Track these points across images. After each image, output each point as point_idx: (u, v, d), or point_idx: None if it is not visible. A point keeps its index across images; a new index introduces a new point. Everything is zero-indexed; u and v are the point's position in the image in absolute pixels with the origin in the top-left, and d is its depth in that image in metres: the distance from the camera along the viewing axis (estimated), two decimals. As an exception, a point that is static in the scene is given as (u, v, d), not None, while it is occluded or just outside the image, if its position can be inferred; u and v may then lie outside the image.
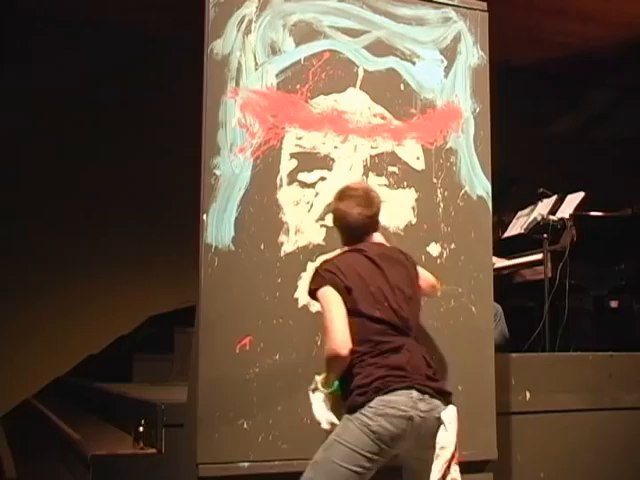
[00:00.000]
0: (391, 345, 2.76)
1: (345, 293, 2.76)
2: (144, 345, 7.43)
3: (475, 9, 3.68)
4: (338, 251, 3.01)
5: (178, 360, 5.80)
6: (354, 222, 2.91)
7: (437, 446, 2.69)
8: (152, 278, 8.44)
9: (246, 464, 3.09)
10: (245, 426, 3.10)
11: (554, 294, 4.56)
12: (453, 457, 2.71)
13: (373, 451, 2.64)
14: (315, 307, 3.24)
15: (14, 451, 5.48)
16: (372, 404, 2.65)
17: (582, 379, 4.05)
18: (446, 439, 2.69)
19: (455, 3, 3.64)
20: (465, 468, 2.81)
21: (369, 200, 2.94)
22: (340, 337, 2.68)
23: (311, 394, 2.84)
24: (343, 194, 2.97)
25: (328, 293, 2.76)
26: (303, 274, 3.24)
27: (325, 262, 2.90)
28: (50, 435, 5.47)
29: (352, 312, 2.75)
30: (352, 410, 2.68)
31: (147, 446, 3.74)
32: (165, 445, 3.69)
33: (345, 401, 2.75)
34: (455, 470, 2.71)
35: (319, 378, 2.82)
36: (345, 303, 2.75)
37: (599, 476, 4.00)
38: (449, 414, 2.71)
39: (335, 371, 2.75)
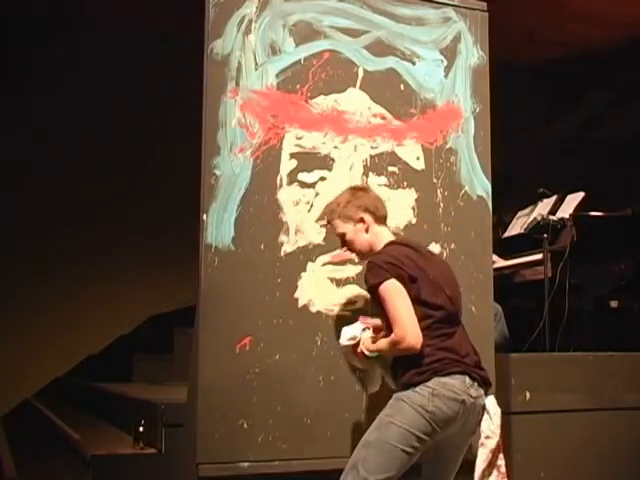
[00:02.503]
0: (447, 330, 2.78)
1: (409, 282, 2.74)
2: (144, 345, 7.44)
3: (475, 9, 3.69)
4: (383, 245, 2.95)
5: (178, 360, 5.80)
6: (384, 211, 2.97)
7: (482, 435, 2.74)
8: (152, 278, 8.44)
9: (246, 464, 3.09)
10: (245, 426, 3.10)
11: (554, 294, 4.56)
12: (499, 447, 2.76)
13: (426, 432, 2.66)
14: (315, 307, 3.25)
15: (14, 451, 5.48)
16: (429, 384, 2.67)
17: (582, 379, 4.05)
18: (491, 428, 2.74)
19: (455, 3, 3.64)
20: (465, 468, 2.81)
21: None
22: (413, 332, 2.68)
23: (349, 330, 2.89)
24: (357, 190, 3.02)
25: (394, 286, 2.73)
26: (303, 274, 3.24)
27: (378, 255, 2.85)
28: (50, 435, 5.47)
29: (415, 300, 2.74)
30: (406, 387, 2.69)
31: (147, 446, 3.74)
32: (165, 445, 3.69)
33: (397, 379, 2.78)
34: (502, 458, 2.77)
35: (366, 336, 2.85)
36: (409, 292, 2.74)
37: (599, 476, 4.00)
38: (492, 403, 2.77)
39: (392, 354, 2.78)
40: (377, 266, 2.76)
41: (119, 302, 8.30)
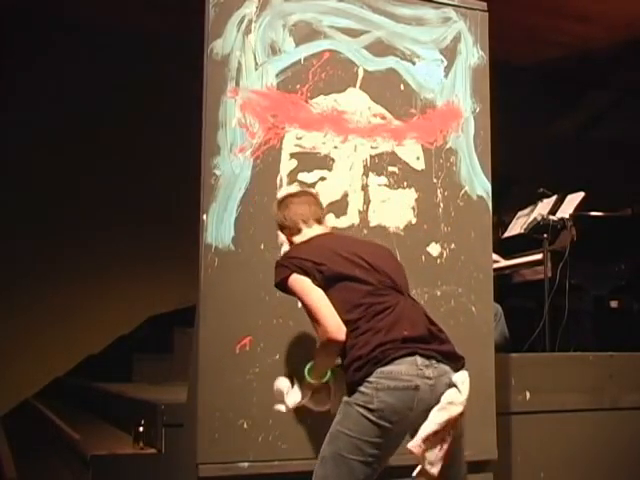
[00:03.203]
0: (384, 305, 2.53)
1: (315, 271, 2.55)
2: (144, 345, 7.43)
3: (475, 9, 3.69)
4: None
5: (178, 360, 5.79)
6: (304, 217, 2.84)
7: (444, 400, 2.42)
8: (152, 278, 8.44)
9: (246, 464, 3.09)
10: (245, 426, 3.10)
11: (554, 294, 4.56)
12: (456, 420, 2.45)
13: (380, 434, 2.40)
14: (315, 307, 3.24)
15: (14, 451, 5.47)
16: (371, 378, 2.41)
17: (582, 379, 4.05)
18: (456, 397, 2.43)
19: (455, 3, 3.64)
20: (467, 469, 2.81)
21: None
22: (331, 321, 2.48)
23: (283, 382, 2.73)
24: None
25: (297, 280, 2.56)
26: (303, 274, 3.24)
27: (283, 255, 2.80)
28: (50, 435, 5.47)
29: (331, 281, 2.54)
30: (351, 389, 2.45)
31: (147, 446, 3.73)
32: (165, 445, 3.69)
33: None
34: (450, 435, 2.44)
35: (308, 368, 2.68)
36: (318, 281, 2.54)
37: (599, 476, 4.00)
38: (461, 376, 2.48)
39: (331, 359, 2.58)
40: (278, 265, 2.66)
41: (119, 302, 8.30)
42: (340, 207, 3.34)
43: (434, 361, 2.47)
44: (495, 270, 3.85)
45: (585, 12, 7.53)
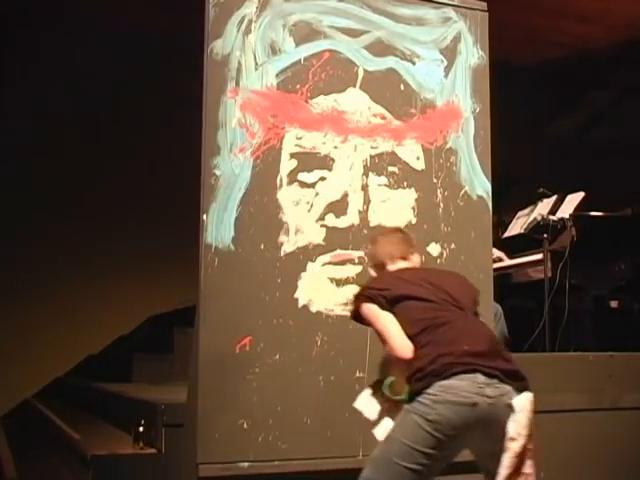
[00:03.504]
0: (445, 319, 2.56)
1: (379, 296, 2.62)
2: (144, 345, 7.43)
3: (475, 9, 3.69)
4: None
5: (178, 360, 5.79)
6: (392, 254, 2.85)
7: (506, 437, 2.40)
8: (152, 278, 8.44)
9: (246, 464, 3.09)
10: (245, 426, 3.10)
11: (554, 294, 4.56)
12: (525, 451, 2.41)
13: (434, 445, 2.39)
14: (315, 307, 3.25)
15: (14, 451, 5.47)
16: (430, 390, 2.40)
17: (582, 379, 4.05)
18: (515, 430, 2.40)
19: (455, 3, 3.65)
20: (465, 468, 2.80)
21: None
22: (398, 341, 2.52)
23: (368, 394, 2.70)
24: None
25: (365, 308, 2.62)
26: (303, 274, 3.24)
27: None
28: (50, 435, 5.47)
29: (394, 302, 2.60)
30: (411, 398, 2.45)
31: (147, 446, 3.73)
32: (165, 445, 3.68)
33: None
34: (530, 466, 2.43)
35: (387, 382, 2.64)
36: (384, 305, 2.60)
37: (599, 476, 4.00)
38: (521, 401, 2.43)
39: (404, 375, 2.56)
40: (353, 300, 2.70)
41: (119, 302, 8.30)
42: (340, 207, 3.34)
43: (496, 380, 2.45)
44: (498, 269, 3.85)
45: (585, 12, 7.54)
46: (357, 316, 2.68)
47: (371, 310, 2.61)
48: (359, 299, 2.66)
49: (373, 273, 2.87)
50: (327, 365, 3.24)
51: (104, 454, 3.66)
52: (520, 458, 2.41)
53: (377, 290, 2.64)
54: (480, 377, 2.42)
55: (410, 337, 2.53)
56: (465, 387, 2.40)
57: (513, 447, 2.40)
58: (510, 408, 2.41)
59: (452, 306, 2.64)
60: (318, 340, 3.23)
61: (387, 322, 2.57)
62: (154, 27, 7.61)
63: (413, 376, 2.47)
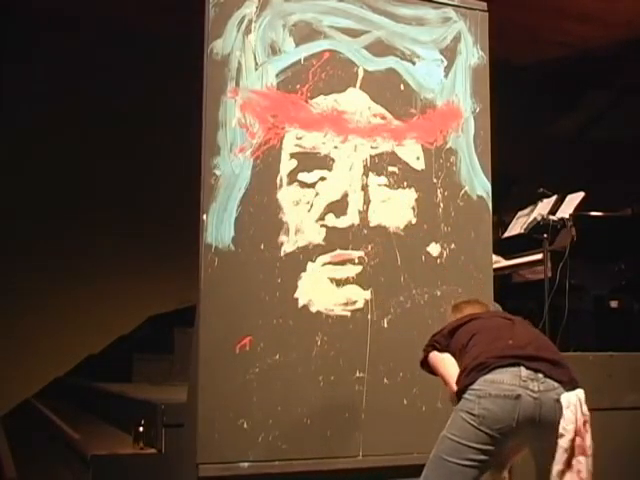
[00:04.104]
0: (493, 323, 2.65)
1: (439, 337, 2.69)
2: (144, 345, 7.43)
3: (475, 9, 3.69)
4: None
5: (178, 360, 5.79)
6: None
7: (559, 434, 2.41)
8: (152, 278, 8.44)
9: (246, 464, 3.09)
10: (245, 426, 3.10)
11: (554, 294, 4.56)
12: (574, 447, 2.42)
13: (481, 441, 2.39)
14: (315, 307, 3.25)
15: (14, 451, 5.47)
16: (475, 386, 2.42)
17: (582, 379, 4.03)
18: (562, 426, 2.41)
19: (455, 3, 3.64)
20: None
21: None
22: (455, 378, 2.55)
23: None
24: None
25: (434, 355, 2.69)
26: (303, 274, 3.24)
27: None
28: (50, 435, 5.47)
29: (451, 334, 2.67)
30: (459, 397, 2.47)
31: (147, 446, 3.73)
32: (165, 445, 3.69)
33: None
34: (580, 462, 2.43)
35: None
36: (443, 345, 2.67)
37: (599, 476, 3.99)
38: (569, 397, 2.46)
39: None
40: (423, 351, 2.76)
41: (119, 302, 8.30)
42: (340, 207, 3.34)
43: (540, 375, 2.44)
44: (495, 270, 3.85)
45: (585, 11, 7.54)
46: (424, 367, 2.74)
47: (435, 358, 2.68)
48: (424, 350, 2.72)
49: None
50: (327, 365, 3.24)
51: (104, 454, 3.66)
52: (570, 454, 2.41)
53: (436, 335, 2.72)
54: (524, 371, 2.42)
55: (462, 349, 2.58)
56: (508, 380, 2.40)
57: (561, 443, 2.40)
58: (558, 404, 2.41)
59: (500, 318, 2.73)
60: (318, 340, 3.23)
61: (449, 365, 2.61)
62: (154, 27, 7.61)
63: (459, 378, 2.50)
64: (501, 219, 5.57)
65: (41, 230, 8.00)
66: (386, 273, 3.37)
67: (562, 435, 2.41)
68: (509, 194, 5.63)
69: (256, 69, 3.29)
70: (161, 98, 7.79)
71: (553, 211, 5.08)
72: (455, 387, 2.51)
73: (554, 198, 5.21)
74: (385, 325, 3.34)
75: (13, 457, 5.26)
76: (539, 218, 4.88)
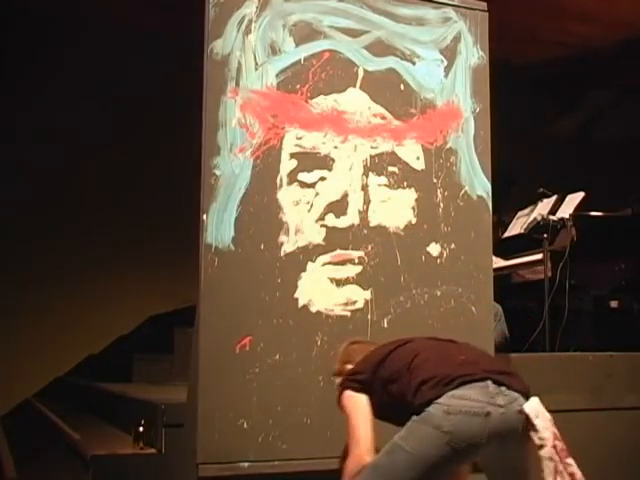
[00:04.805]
0: (434, 342, 2.56)
1: (367, 375, 2.53)
2: (144, 345, 7.43)
3: (475, 9, 3.68)
4: None
5: (178, 360, 5.79)
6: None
7: (536, 446, 2.33)
8: (152, 278, 8.44)
9: (246, 464, 3.09)
10: (245, 426, 3.10)
11: (554, 294, 4.56)
12: (558, 452, 2.35)
13: (444, 457, 2.28)
14: (315, 307, 3.25)
15: (14, 451, 5.47)
16: (442, 400, 2.29)
17: (582, 379, 4.05)
18: (538, 436, 2.32)
19: (455, 3, 3.64)
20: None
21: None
22: (364, 443, 2.42)
23: None
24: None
25: (348, 396, 2.53)
26: (303, 274, 3.24)
27: None
28: (50, 435, 5.47)
29: (380, 364, 2.52)
30: (418, 410, 2.32)
31: (147, 446, 3.73)
32: (165, 445, 3.68)
33: (406, 414, 2.38)
34: (569, 464, 2.38)
35: None
36: (376, 383, 2.51)
37: (599, 476, 3.99)
38: (534, 406, 2.35)
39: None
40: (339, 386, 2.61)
41: (119, 302, 8.30)
42: (340, 207, 3.34)
43: (504, 388, 2.35)
44: (495, 270, 3.85)
45: (585, 12, 7.54)
46: (341, 405, 2.57)
47: (353, 400, 2.51)
48: (342, 387, 2.56)
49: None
50: (327, 365, 3.23)
51: (104, 454, 3.66)
52: (557, 460, 2.35)
53: (354, 374, 2.55)
54: (491, 385, 2.34)
55: (407, 368, 2.45)
56: (476, 396, 2.31)
57: (544, 454, 2.33)
58: (521, 414, 2.33)
59: (434, 340, 2.63)
60: (318, 340, 3.23)
61: (361, 421, 2.47)
62: (154, 27, 7.61)
63: (417, 391, 2.36)
64: (501, 219, 5.58)
65: (41, 230, 8.00)
66: (386, 273, 3.37)
67: (542, 446, 2.33)
68: (509, 194, 5.63)
69: (256, 69, 3.29)
70: (161, 98, 7.79)
71: (553, 211, 5.09)
72: (366, 457, 2.38)
73: (554, 198, 5.21)
74: (385, 325, 3.34)
75: (13, 457, 5.26)
76: (539, 218, 4.88)
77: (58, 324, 8.04)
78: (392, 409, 2.48)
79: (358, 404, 2.51)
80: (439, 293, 3.40)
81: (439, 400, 2.30)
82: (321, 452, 3.18)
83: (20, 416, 7.50)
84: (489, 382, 2.34)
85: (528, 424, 2.33)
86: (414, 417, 2.33)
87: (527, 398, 2.38)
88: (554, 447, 2.35)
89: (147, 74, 7.85)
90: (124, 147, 8.12)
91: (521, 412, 2.33)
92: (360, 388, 2.53)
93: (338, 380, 2.66)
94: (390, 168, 3.44)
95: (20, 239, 7.95)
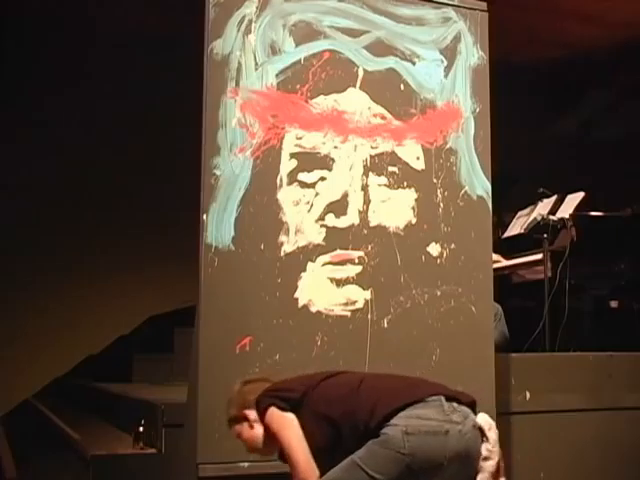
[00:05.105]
0: (367, 373, 2.55)
1: (297, 394, 2.43)
2: (144, 345, 7.43)
3: (475, 9, 3.69)
4: None
5: (178, 360, 5.80)
6: None
7: (480, 457, 2.29)
8: (152, 278, 8.44)
9: (246, 464, 3.09)
10: (245, 426, 3.10)
11: (554, 294, 4.56)
12: (499, 469, 2.33)
13: (404, 479, 2.23)
14: (315, 307, 3.25)
15: (14, 451, 5.48)
16: (398, 421, 2.24)
17: (582, 379, 4.05)
18: (488, 448, 2.30)
19: (455, 3, 3.64)
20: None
21: None
22: (305, 466, 2.31)
23: None
24: None
25: (277, 415, 2.40)
26: (303, 274, 3.24)
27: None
28: (50, 435, 5.47)
29: (308, 388, 2.45)
30: (372, 434, 2.26)
31: (147, 446, 3.74)
32: (165, 445, 3.69)
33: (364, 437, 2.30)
34: None
35: None
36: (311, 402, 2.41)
37: (599, 476, 4.00)
38: (485, 419, 2.35)
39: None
40: (258, 400, 2.49)
41: (119, 302, 8.29)
42: (340, 207, 3.34)
43: (455, 404, 2.33)
44: (495, 270, 3.85)
45: (585, 12, 7.53)
46: (264, 421, 2.45)
47: (281, 420, 2.41)
48: (262, 403, 2.46)
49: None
50: (327, 365, 3.23)
51: (104, 454, 3.67)
52: (494, 477, 2.31)
53: (280, 390, 2.47)
54: (445, 402, 2.31)
55: (354, 391, 2.40)
56: (433, 415, 2.27)
57: (487, 467, 2.30)
58: (476, 429, 2.31)
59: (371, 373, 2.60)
60: (318, 340, 3.23)
61: (295, 441, 2.35)
62: (154, 27, 7.61)
63: (371, 410, 2.29)
64: (501, 219, 5.58)
65: (41, 230, 7.99)
66: (386, 273, 3.37)
67: (487, 458, 2.29)
68: (509, 194, 5.63)
69: (256, 69, 3.29)
70: (161, 98, 7.78)
71: (553, 211, 5.09)
72: (306, 478, 2.29)
73: (554, 198, 5.21)
74: (385, 325, 3.34)
75: (13, 457, 5.26)
76: (539, 218, 4.88)
77: (58, 324, 8.03)
78: (328, 435, 2.37)
79: (289, 423, 2.39)
80: (439, 293, 3.40)
81: (395, 421, 2.24)
82: (321, 452, 3.18)
83: (20, 416, 7.51)
84: (442, 398, 2.31)
85: (482, 436, 2.30)
86: (373, 440, 2.25)
87: (474, 410, 2.37)
88: (498, 463, 2.31)
89: (147, 74, 7.85)
90: (124, 147, 8.11)
91: (475, 426, 2.31)
92: (288, 408, 2.41)
93: (237, 427, 2.53)
94: (390, 168, 3.44)
95: (20, 239, 7.95)
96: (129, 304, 8.28)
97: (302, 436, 2.37)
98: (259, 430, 2.50)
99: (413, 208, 3.46)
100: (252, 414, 2.50)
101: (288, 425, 2.39)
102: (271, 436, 2.42)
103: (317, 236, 3.29)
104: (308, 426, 2.39)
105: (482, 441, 2.31)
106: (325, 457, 2.35)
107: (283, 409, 2.42)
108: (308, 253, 3.26)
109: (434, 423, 2.25)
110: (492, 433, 2.32)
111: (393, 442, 2.22)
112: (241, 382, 2.62)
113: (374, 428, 2.27)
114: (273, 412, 2.42)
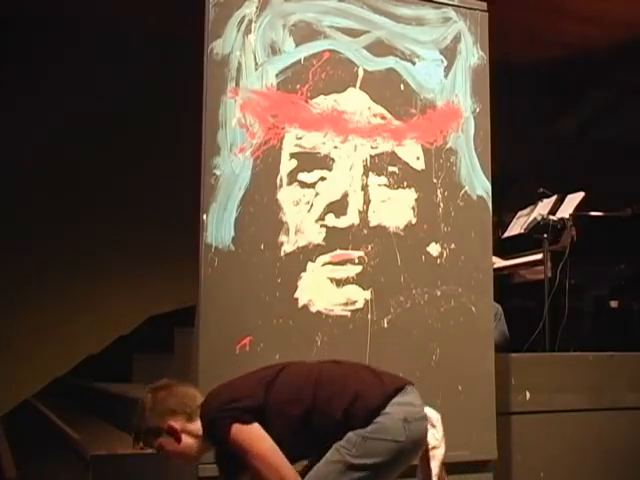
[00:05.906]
0: (329, 366, 2.45)
1: (256, 400, 2.30)
2: (144, 345, 7.43)
3: (475, 9, 3.69)
4: None
5: (178, 360, 5.80)
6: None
7: (429, 446, 2.33)
8: (152, 278, 8.44)
9: (246, 464, 3.09)
10: (245, 426, 3.09)
11: (554, 294, 4.56)
12: (443, 459, 2.40)
13: (396, 468, 2.24)
14: (315, 307, 3.25)
15: (14, 451, 5.48)
16: (391, 409, 2.22)
17: (582, 379, 4.05)
18: (437, 437, 2.34)
19: (455, 3, 3.64)
20: (465, 468, 2.80)
21: None
22: (286, 472, 2.24)
23: None
24: None
25: (244, 430, 2.23)
26: (303, 274, 3.24)
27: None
28: (50, 435, 5.47)
29: (270, 385, 2.35)
30: (360, 424, 2.21)
31: (147, 446, 3.73)
32: (165, 445, 3.68)
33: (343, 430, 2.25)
34: (446, 476, 2.40)
35: None
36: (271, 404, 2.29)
37: (599, 476, 4.00)
38: (434, 411, 2.39)
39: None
40: (217, 418, 2.30)
41: (119, 302, 8.29)
42: (340, 207, 3.34)
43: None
44: (495, 270, 3.85)
45: (585, 12, 7.53)
46: (227, 439, 2.26)
47: (250, 432, 2.24)
48: (223, 422, 2.27)
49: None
50: (327, 365, 3.23)
51: (104, 454, 3.67)
52: (443, 465, 2.36)
53: (235, 402, 2.28)
54: (413, 389, 2.35)
55: (308, 390, 2.33)
56: (415, 400, 2.30)
57: (438, 454, 2.33)
58: (425, 419, 2.33)
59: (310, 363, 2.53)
60: (318, 340, 3.23)
61: (269, 450, 2.22)
62: (154, 27, 7.60)
63: (352, 401, 2.25)
64: (501, 219, 5.58)
65: (41, 230, 7.99)
66: (386, 273, 3.37)
67: (436, 447, 2.33)
68: (509, 194, 5.63)
69: (256, 69, 3.29)
70: (161, 98, 7.78)
71: (553, 211, 5.09)
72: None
73: (554, 198, 5.21)
74: (385, 325, 3.34)
75: (13, 457, 5.26)
76: (539, 218, 4.89)
77: (58, 324, 8.03)
78: (303, 433, 2.30)
79: (258, 437, 2.23)
80: (439, 293, 3.40)
81: (387, 410, 2.22)
82: (321, 452, 3.18)
83: (20, 416, 7.51)
84: (411, 386, 2.34)
85: (432, 426, 2.34)
86: (360, 432, 2.21)
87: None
88: (444, 454, 2.35)
89: (147, 74, 7.85)
90: (124, 147, 8.10)
91: (425, 417, 2.33)
92: (252, 419, 2.25)
93: (161, 441, 2.36)
94: (390, 168, 3.44)
95: (20, 239, 7.94)
96: (129, 304, 8.28)
97: (274, 444, 2.25)
98: (188, 440, 2.35)
99: (413, 208, 3.46)
100: (177, 424, 2.34)
101: (258, 439, 2.23)
102: (239, 454, 2.24)
103: (317, 236, 3.29)
104: (275, 426, 2.28)
105: (430, 429, 2.33)
106: (295, 451, 2.31)
107: (247, 422, 2.24)
108: (308, 253, 3.26)
109: (419, 409, 2.29)
110: (440, 424, 2.36)
111: (391, 432, 2.20)
112: (149, 390, 2.43)
113: (362, 418, 2.22)
114: (238, 429, 2.22)
